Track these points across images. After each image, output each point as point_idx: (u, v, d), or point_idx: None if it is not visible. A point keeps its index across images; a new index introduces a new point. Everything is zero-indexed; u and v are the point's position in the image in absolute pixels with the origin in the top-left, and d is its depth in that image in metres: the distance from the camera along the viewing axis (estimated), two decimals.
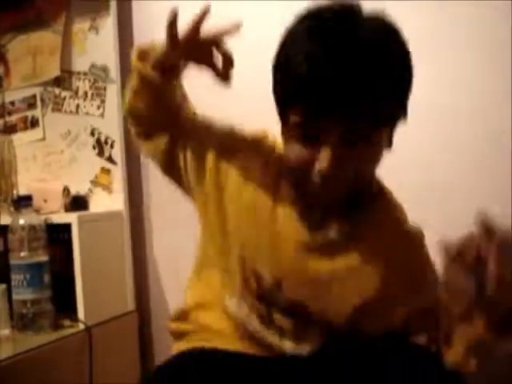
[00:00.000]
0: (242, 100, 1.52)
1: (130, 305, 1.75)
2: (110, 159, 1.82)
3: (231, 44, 0.97)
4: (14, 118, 2.03)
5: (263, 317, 1.06)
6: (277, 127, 0.97)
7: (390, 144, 0.95)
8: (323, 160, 0.87)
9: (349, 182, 0.92)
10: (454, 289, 0.79)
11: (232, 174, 1.05)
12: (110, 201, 1.80)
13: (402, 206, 1.06)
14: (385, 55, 0.84)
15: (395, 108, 0.90)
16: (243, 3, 1.63)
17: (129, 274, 1.77)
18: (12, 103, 2.03)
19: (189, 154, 1.07)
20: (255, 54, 1.40)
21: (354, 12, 0.87)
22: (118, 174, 1.80)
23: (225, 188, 1.06)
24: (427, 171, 1.42)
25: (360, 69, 0.82)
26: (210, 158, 1.06)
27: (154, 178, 1.81)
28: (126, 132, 1.80)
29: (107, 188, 1.81)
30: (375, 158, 0.93)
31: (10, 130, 2.02)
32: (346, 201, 0.98)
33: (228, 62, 0.97)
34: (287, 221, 1.03)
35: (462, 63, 1.39)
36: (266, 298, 1.05)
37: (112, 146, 1.81)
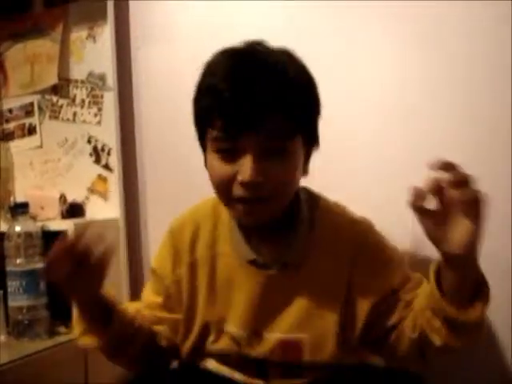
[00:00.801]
0: None
1: None
2: (107, 167, 1.83)
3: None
4: (11, 126, 2.04)
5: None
6: None
7: (306, 170, 1.06)
8: (245, 170, 0.95)
9: (271, 197, 0.99)
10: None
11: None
12: (106, 208, 1.81)
13: (341, 206, 1.15)
14: (287, 75, 0.97)
15: (302, 123, 1.00)
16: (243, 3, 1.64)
17: (124, 281, 1.77)
18: (10, 111, 2.04)
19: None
20: None
21: (262, 44, 1.02)
22: (115, 181, 1.80)
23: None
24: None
25: (268, 85, 0.94)
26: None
27: (151, 186, 1.81)
28: (123, 140, 1.81)
29: (104, 195, 1.83)
30: (291, 173, 1.00)
31: (8, 137, 2.04)
32: (279, 226, 1.07)
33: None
34: (236, 270, 1.11)
35: (462, 63, 1.40)
36: (250, 355, 1.10)
37: (109, 154, 1.82)
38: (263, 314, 1.08)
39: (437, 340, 0.96)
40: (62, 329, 1.62)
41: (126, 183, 1.79)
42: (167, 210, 1.75)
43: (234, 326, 1.10)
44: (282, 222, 1.07)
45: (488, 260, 1.33)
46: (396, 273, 1.08)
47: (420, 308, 1.00)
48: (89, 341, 1.10)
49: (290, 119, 0.96)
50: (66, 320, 1.62)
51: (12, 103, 2.04)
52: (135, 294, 1.80)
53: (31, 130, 2.00)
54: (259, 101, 0.93)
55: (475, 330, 0.96)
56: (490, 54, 1.35)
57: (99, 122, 1.84)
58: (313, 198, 1.14)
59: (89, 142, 1.86)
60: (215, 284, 1.12)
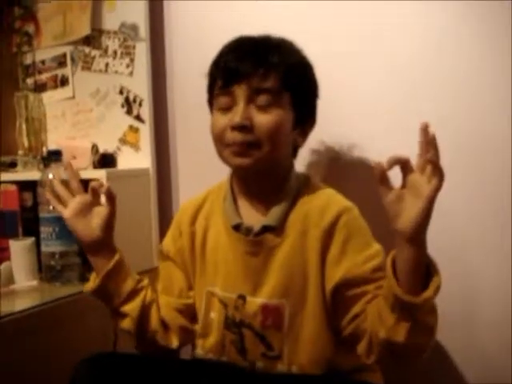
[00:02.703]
0: None
1: (155, 261, 1.77)
2: (139, 118, 1.83)
3: None
4: (44, 77, 2.05)
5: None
6: None
7: (300, 142, 1.20)
8: (235, 115, 1.10)
9: (257, 143, 1.10)
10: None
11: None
12: (137, 159, 1.81)
13: (332, 190, 1.21)
14: (276, 44, 1.15)
15: (287, 82, 1.12)
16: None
17: (154, 230, 1.80)
18: (42, 62, 2.05)
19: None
20: None
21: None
22: (146, 132, 1.81)
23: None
24: None
25: (256, 49, 1.13)
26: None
27: (181, 137, 1.82)
28: (155, 91, 1.81)
29: (135, 146, 1.83)
30: (276, 124, 1.11)
31: (41, 88, 2.05)
32: (267, 193, 1.17)
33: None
34: (222, 237, 1.20)
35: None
36: (235, 319, 1.17)
37: (140, 105, 1.82)
38: (245, 278, 1.16)
39: (382, 332, 0.98)
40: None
41: (157, 134, 1.80)
42: (197, 160, 1.77)
43: (220, 290, 1.19)
44: (269, 191, 1.17)
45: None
46: (371, 262, 1.10)
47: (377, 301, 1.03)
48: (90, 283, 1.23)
49: (274, 76, 1.11)
50: None
51: (45, 54, 2.04)
52: None
53: (64, 81, 2.00)
54: (247, 59, 1.11)
55: (424, 318, 0.96)
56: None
57: (131, 73, 1.84)
58: (305, 177, 1.23)
59: (121, 92, 1.86)
60: (205, 252, 1.23)
